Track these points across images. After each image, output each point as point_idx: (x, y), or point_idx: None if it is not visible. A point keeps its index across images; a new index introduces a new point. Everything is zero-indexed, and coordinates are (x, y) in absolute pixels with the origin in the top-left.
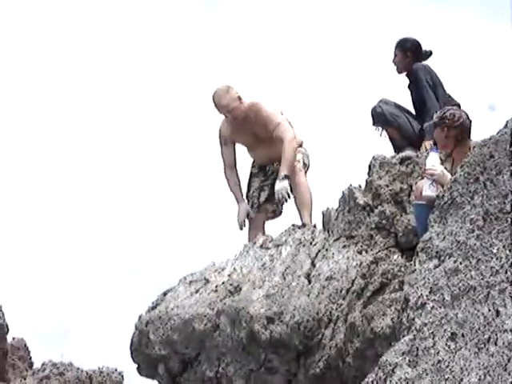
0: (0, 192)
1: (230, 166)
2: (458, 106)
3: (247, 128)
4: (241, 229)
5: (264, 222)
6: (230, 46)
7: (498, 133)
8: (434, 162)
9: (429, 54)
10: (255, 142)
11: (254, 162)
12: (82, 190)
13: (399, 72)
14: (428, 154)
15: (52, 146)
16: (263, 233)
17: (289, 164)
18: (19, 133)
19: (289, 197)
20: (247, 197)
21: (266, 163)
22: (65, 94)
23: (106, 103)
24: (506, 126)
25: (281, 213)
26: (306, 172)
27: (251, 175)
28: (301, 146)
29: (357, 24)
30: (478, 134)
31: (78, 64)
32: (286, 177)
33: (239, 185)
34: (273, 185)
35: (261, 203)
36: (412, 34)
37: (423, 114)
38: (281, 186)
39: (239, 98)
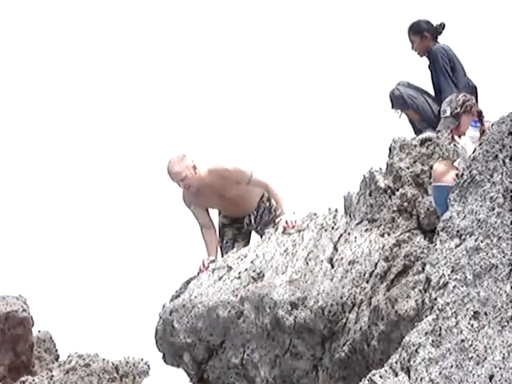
0: None
1: (207, 226)
2: (475, 88)
3: (210, 193)
4: (199, 270)
5: None
6: None
7: None
8: (473, 134)
9: (443, 26)
10: (223, 203)
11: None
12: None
13: (421, 56)
14: (468, 127)
15: None
16: None
17: (282, 203)
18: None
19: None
20: (220, 247)
21: (239, 216)
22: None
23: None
24: None
25: None
26: None
27: (223, 226)
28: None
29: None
30: None
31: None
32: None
33: (217, 245)
34: (247, 238)
35: None
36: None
37: (440, 100)
38: (286, 216)
39: (194, 168)
